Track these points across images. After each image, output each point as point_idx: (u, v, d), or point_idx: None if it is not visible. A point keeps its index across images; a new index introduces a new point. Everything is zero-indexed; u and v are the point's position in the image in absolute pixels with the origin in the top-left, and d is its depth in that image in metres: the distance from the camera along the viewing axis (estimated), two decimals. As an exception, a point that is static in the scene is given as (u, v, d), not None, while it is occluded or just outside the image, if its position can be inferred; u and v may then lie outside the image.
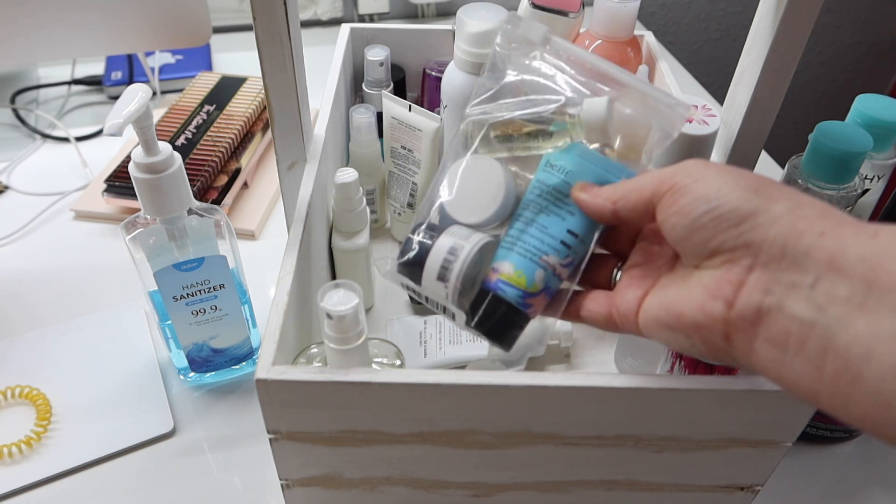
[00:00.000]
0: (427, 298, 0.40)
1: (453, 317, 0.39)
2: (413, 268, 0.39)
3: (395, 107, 0.62)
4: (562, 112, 0.39)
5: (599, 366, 0.59)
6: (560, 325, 0.59)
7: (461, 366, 0.57)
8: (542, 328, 0.40)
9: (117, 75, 0.96)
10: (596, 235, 0.38)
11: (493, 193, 0.39)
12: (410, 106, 0.61)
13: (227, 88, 0.86)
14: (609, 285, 0.38)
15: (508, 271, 0.37)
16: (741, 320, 0.30)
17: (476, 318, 0.38)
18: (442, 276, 0.38)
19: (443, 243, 0.38)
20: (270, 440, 0.40)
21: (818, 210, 0.29)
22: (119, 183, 0.74)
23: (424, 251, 0.38)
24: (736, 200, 0.30)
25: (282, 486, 0.44)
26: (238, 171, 0.78)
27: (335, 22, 1.18)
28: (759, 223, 0.29)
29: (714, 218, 0.30)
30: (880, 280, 0.25)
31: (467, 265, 0.37)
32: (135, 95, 0.43)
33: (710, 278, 0.31)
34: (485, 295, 0.38)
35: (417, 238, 0.39)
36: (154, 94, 0.94)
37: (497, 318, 0.37)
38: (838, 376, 0.26)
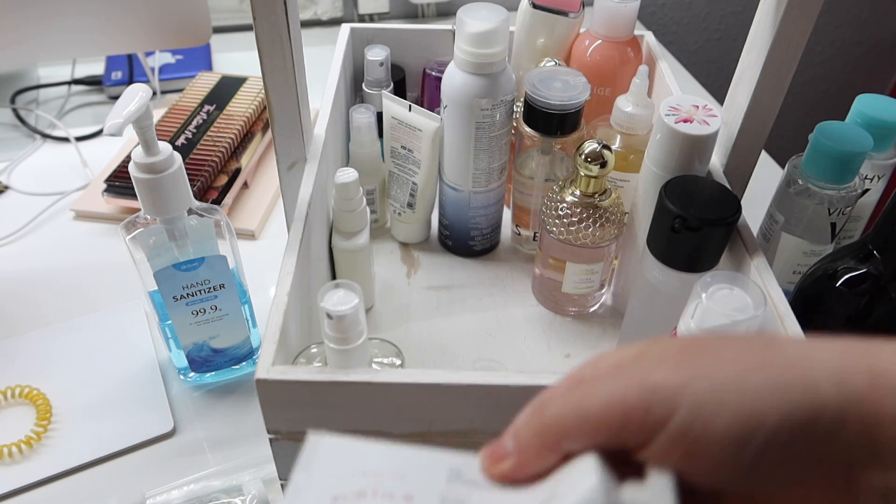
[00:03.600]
0: None
1: None
2: None
3: (395, 107, 0.62)
4: None
5: (599, 366, 0.59)
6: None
7: None
8: None
9: (117, 75, 0.96)
10: None
11: None
12: (410, 106, 0.61)
13: (227, 88, 0.86)
14: None
15: None
16: None
17: None
18: None
19: None
20: (270, 440, 0.40)
21: (865, 378, 0.21)
22: (119, 183, 0.74)
23: None
24: (780, 420, 0.21)
25: (282, 486, 0.44)
26: (238, 171, 0.78)
27: (335, 22, 1.18)
28: (832, 430, 0.21)
29: (782, 447, 0.21)
30: None
31: None
32: (135, 95, 0.43)
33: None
34: None
35: None
36: (154, 94, 0.94)
37: None
38: None
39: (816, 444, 0.21)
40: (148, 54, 0.98)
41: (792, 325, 0.42)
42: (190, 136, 0.78)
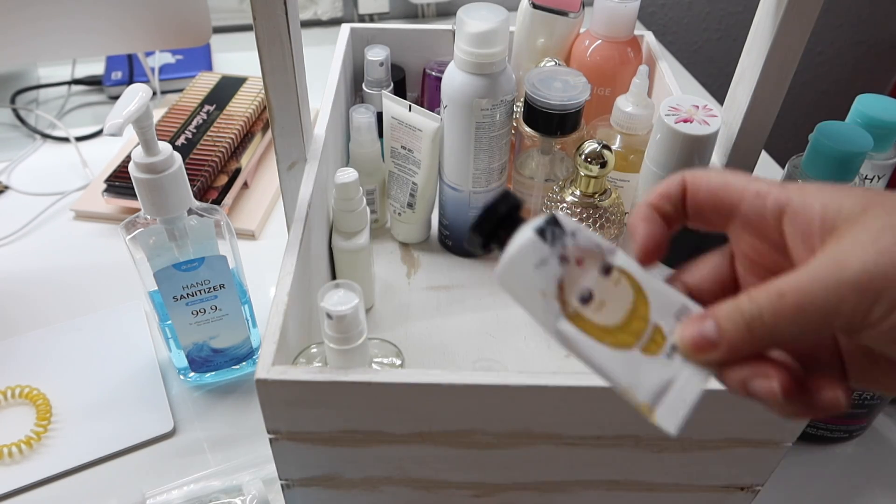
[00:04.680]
0: None
1: None
2: None
3: (395, 107, 0.62)
4: None
5: (599, 366, 0.59)
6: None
7: None
8: None
9: (117, 75, 0.96)
10: None
11: None
12: (410, 106, 0.61)
13: (227, 88, 0.86)
14: None
15: None
16: None
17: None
18: None
19: None
20: (270, 440, 0.40)
21: None
22: (119, 183, 0.74)
23: None
24: None
25: (282, 486, 0.44)
26: (238, 171, 0.78)
27: (335, 22, 1.18)
28: None
29: None
30: None
31: None
32: (135, 95, 0.43)
33: None
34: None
35: None
36: (154, 94, 0.94)
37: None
38: None
39: None
40: (148, 54, 0.98)
41: (792, 325, 0.42)
42: (190, 136, 0.78)
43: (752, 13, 0.50)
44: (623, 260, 0.31)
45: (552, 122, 0.59)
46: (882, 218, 0.24)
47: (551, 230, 0.30)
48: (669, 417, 0.28)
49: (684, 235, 0.46)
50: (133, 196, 0.58)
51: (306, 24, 1.16)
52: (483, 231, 0.31)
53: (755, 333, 0.25)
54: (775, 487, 0.53)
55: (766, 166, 0.88)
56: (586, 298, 0.30)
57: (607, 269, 0.30)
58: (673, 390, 0.28)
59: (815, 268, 0.25)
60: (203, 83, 0.87)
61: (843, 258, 0.24)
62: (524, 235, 0.29)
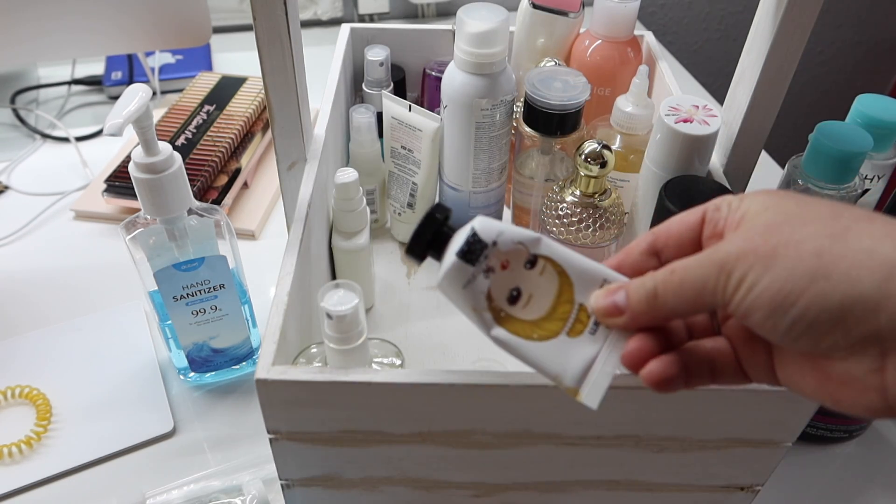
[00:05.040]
0: None
1: None
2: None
3: (395, 107, 0.62)
4: None
5: (599, 366, 0.59)
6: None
7: None
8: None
9: (117, 75, 0.96)
10: None
11: None
12: (410, 106, 0.61)
13: (227, 88, 0.86)
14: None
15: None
16: None
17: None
18: None
19: None
20: (270, 440, 0.40)
21: None
22: (119, 183, 0.74)
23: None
24: (809, 302, 0.26)
25: (282, 486, 0.44)
26: (238, 171, 0.78)
27: (335, 22, 1.18)
28: (864, 317, 0.25)
29: (808, 325, 0.26)
30: None
31: None
32: (135, 95, 0.43)
33: (844, 372, 0.27)
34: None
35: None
36: (154, 94, 0.94)
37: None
38: None
39: (846, 325, 0.25)
40: (148, 54, 0.98)
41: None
42: (190, 136, 0.78)
43: (752, 13, 0.50)
44: (546, 247, 0.32)
45: (552, 122, 0.59)
46: (767, 217, 0.28)
47: (474, 248, 0.31)
48: (593, 395, 0.31)
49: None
50: (133, 196, 0.58)
51: (306, 24, 1.16)
52: (415, 253, 0.33)
53: (651, 304, 0.30)
54: (775, 487, 0.53)
55: (766, 166, 0.88)
56: (514, 298, 0.32)
57: (532, 262, 0.32)
58: (597, 364, 0.31)
59: (703, 252, 0.29)
60: (203, 83, 0.87)
61: (721, 245, 0.29)
62: (448, 261, 0.31)
